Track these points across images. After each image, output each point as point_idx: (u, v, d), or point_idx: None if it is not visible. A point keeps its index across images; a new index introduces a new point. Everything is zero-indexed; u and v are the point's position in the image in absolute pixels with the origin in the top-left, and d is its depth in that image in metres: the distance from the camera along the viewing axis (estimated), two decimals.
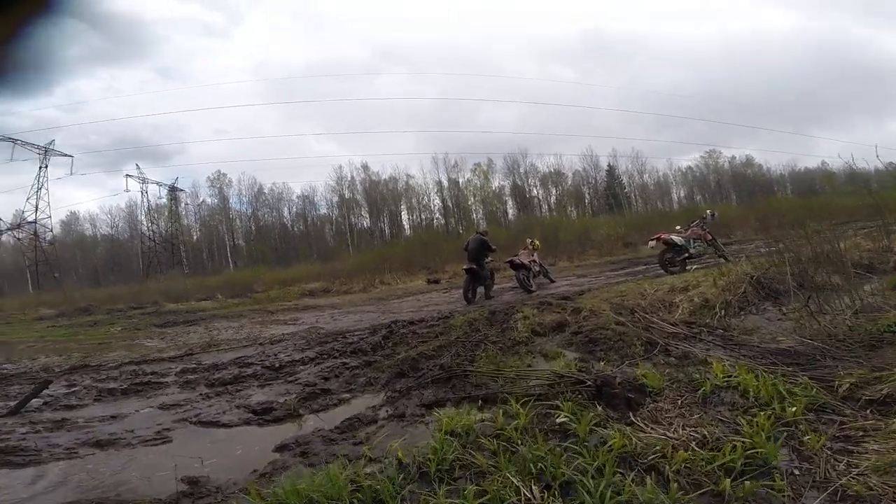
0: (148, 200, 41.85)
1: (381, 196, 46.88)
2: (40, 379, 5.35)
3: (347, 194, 46.63)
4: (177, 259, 41.64)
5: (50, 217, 37.09)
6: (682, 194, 50.93)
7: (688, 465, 2.19)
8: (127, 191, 40.87)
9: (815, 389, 2.86)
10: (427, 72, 63.01)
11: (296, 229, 47.75)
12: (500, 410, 2.97)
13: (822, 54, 56.54)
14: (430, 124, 56.60)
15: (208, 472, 2.84)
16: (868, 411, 2.62)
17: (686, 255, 9.52)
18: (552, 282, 11.29)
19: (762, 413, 2.55)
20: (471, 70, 65.98)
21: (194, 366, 5.84)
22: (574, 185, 49.05)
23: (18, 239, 36.71)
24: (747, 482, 2.03)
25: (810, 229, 5.73)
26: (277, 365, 5.35)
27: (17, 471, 3.11)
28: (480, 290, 9.83)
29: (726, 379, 3.09)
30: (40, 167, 35.66)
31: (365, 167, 46.24)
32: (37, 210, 36.05)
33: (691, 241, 9.67)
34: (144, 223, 42.14)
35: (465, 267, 10.02)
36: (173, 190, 42.41)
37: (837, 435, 2.45)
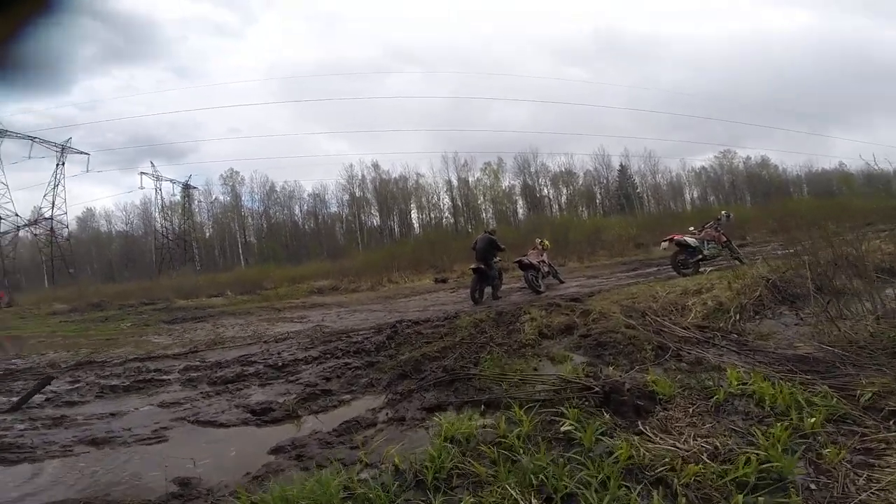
0: (162, 198, 42.43)
1: (392, 195, 46.91)
2: (44, 375, 5.35)
3: (358, 193, 46.78)
4: (189, 256, 42.11)
5: (66, 213, 37.75)
6: (696, 195, 50.24)
7: (698, 478, 2.06)
8: (141, 188, 41.48)
9: (835, 399, 2.70)
10: (438, 71, 62.94)
11: (307, 227, 48.02)
12: (503, 416, 2.86)
13: (842, 55, 55.35)
14: (441, 123, 56.55)
15: (201, 473, 2.79)
16: (891, 422, 2.47)
17: (699, 256, 9.29)
18: (561, 282, 11.12)
19: (779, 424, 2.41)
20: (482, 69, 65.87)
21: (198, 363, 5.82)
22: (585, 185, 48.60)
23: (35, 235, 37.40)
24: (761, 498, 1.91)
25: (830, 231, 5.51)
26: (280, 364, 5.30)
27: (9, 468, 3.08)
28: (488, 290, 9.69)
29: (741, 386, 2.95)
30: (57, 164, 36.30)
31: (375, 166, 46.37)
32: (53, 206, 36.69)
33: (705, 242, 9.44)
34: (158, 220, 42.74)
35: (472, 266, 9.88)
36: (187, 187, 42.93)
37: (858, 447, 2.31)
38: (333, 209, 47.76)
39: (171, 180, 41.81)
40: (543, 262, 10.72)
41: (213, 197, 46.23)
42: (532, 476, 2.12)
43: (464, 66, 64.23)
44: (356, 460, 2.61)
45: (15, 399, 4.60)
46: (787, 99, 54.08)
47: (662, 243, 10.21)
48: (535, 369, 4.05)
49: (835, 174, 45.33)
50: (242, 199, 46.69)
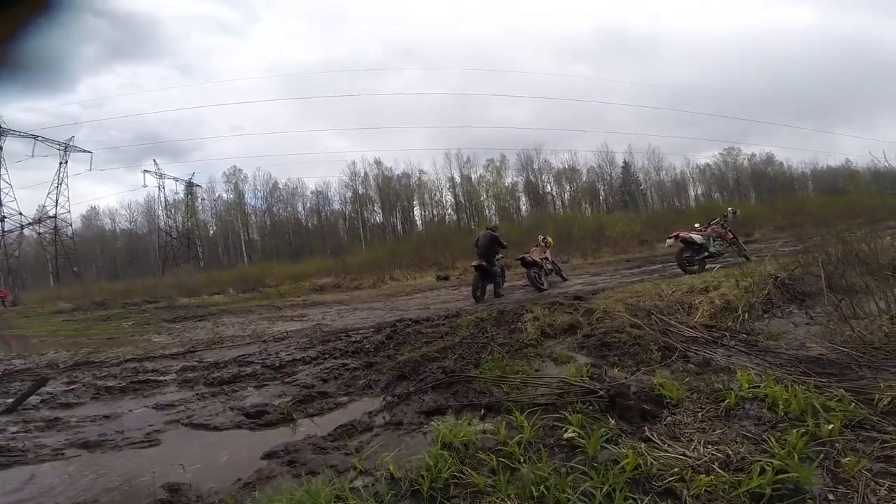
0: (165, 196, 42.53)
1: (394, 192, 46.86)
2: (39, 376, 5.28)
3: (361, 190, 46.79)
4: (193, 253, 42.21)
5: (70, 212, 37.93)
6: (700, 192, 49.92)
7: (709, 490, 1.94)
8: (144, 186, 41.72)
9: (852, 403, 2.58)
10: (440, 68, 62.77)
11: (310, 224, 48.08)
12: (503, 421, 2.74)
13: (845, 52, 54.70)
14: (444, 120, 56.44)
15: (191, 478, 2.69)
16: None
17: (706, 254, 9.14)
18: (565, 280, 10.99)
19: (794, 430, 2.28)
20: (485, 66, 65.57)
21: (195, 363, 5.74)
22: (588, 182, 48.39)
23: (39, 233, 37.56)
24: None
25: (841, 228, 5.36)
26: (277, 364, 5.21)
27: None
28: (490, 287, 9.57)
29: (752, 389, 2.82)
30: (61, 163, 36.49)
31: (378, 163, 46.34)
32: (57, 205, 36.89)
33: (711, 239, 9.29)
34: (162, 218, 42.84)
35: (474, 264, 9.76)
36: (190, 185, 43.07)
37: (878, 455, 2.18)
38: (336, 206, 47.87)
39: (174, 178, 42.02)
40: (546, 259, 10.60)
41: (217, 194, 46.37)
42: (533, 487, 2.01)
43: (466, 64, 64.08)
44: (350, 467, 2.50)
45: (10, 401, 4.53)
46: (791, 96, 53.46)
47: (668, 240, 10.04)
48: (538, 370, 3.93)
49: (841, 171, 44.92)
50: (245, 196, 46.89)
